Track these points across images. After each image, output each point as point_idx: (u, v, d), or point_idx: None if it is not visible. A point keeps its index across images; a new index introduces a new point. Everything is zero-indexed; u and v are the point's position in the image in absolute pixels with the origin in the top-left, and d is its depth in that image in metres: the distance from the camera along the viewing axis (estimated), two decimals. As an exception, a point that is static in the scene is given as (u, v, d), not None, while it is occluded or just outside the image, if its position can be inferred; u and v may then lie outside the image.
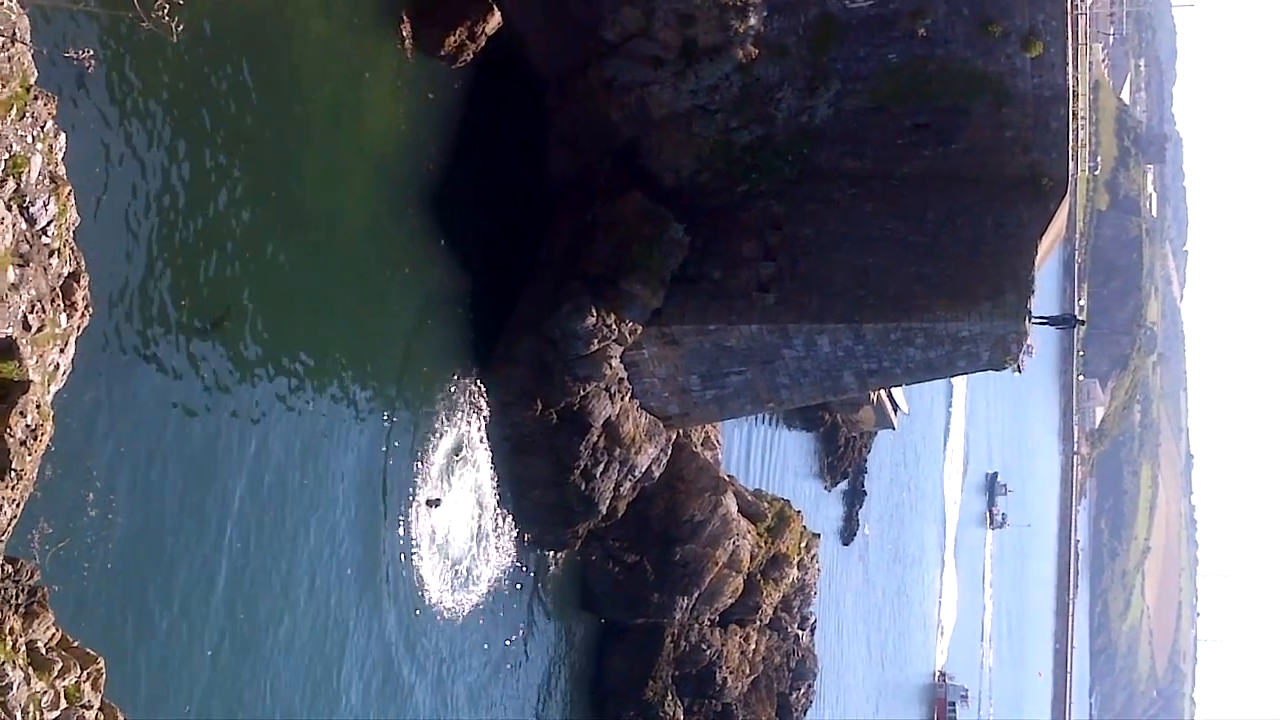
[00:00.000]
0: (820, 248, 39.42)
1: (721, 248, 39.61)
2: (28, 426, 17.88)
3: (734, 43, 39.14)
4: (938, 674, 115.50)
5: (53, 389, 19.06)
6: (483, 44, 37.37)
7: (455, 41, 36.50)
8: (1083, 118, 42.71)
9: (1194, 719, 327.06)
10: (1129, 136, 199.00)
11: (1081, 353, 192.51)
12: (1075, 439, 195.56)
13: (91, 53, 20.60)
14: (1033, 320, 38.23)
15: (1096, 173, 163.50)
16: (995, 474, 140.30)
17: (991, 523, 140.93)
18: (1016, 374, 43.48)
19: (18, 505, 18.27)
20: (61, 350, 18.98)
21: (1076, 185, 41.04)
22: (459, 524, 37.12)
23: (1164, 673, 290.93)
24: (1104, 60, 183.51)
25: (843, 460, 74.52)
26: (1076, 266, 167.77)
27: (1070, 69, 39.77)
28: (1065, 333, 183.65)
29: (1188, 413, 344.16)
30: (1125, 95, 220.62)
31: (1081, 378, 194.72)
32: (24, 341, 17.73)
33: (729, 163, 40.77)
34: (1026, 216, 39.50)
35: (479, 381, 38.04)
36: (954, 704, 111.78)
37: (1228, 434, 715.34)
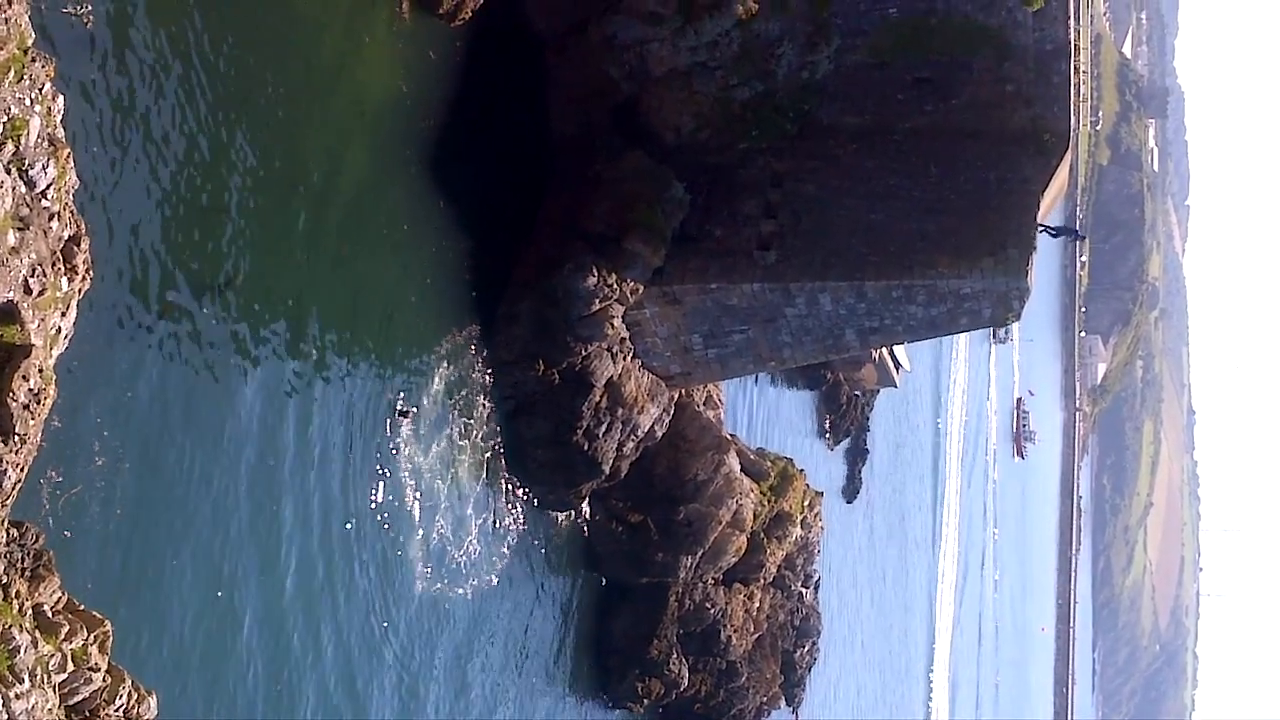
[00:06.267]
0: (822, 204, 39.27)
1: (722, 206, 39.48)
2: (30, 390, 17.88)
3: (734, -1, 38.94)
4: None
5: (55, 353, 19.03)
6: (482, 1, 37.12)
7: (454, -1, 36.24)
8: (1084, 72, 42.54)
9: (1197, 673, 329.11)
10: (1130, 90, 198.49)
11: (1083, 309, 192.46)
12: (1077, 396, 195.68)
13: (90, 8, 20.36)
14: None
15: (1098, 127, 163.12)
16: None
17: (995, 338, 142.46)
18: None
19: (22, 469, 18.29)
20: (63, 314, 18.95)
21: (1078, 140, 40.87)
22: (461, 484, 37.13)
23: (1166, 627, 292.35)
24: (1105, 14, 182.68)
25: (845, 419, 74.61)
26: (1078, 222, 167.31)
27: (1071, 22, 39.59)
28: (1066, 290, 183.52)
29: (1190, 369, 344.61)
30: (1127, 49, 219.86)
31: (1083, 334, 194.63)
32: (25, 305, 17.70)
33: (729, 120, 40.58)
34: (1028, 171, 39.38)
35: (480, 341, 37.97)
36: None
37: (1230, 390, 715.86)
